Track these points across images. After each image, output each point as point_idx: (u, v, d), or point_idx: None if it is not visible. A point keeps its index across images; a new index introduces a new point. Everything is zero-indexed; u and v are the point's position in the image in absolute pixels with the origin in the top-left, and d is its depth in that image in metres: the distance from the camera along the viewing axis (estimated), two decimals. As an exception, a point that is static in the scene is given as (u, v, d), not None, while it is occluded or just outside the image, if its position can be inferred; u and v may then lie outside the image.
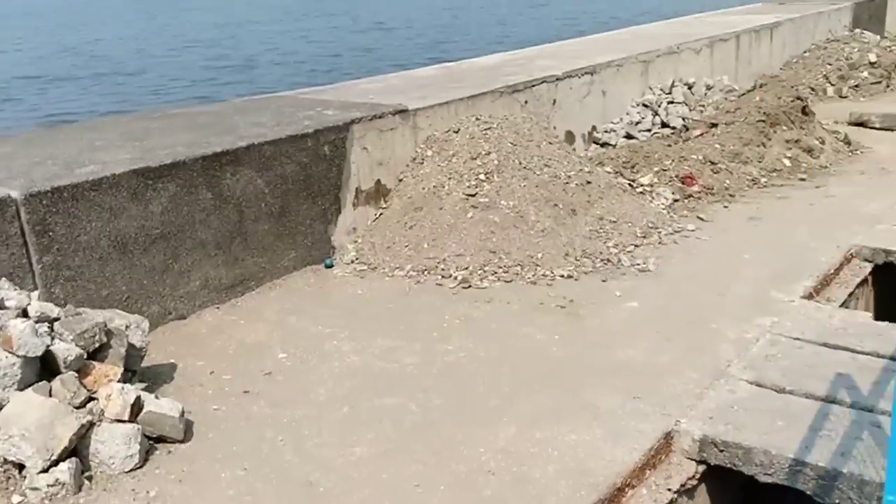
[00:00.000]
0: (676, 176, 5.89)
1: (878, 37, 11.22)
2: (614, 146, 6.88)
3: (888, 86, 9.36)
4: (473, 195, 4.92)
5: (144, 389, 3.18)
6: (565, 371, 3.46)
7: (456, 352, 3.68)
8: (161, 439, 3.02)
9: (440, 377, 3.46)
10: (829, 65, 9.77)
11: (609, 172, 5.80)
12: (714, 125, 6.66)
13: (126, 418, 2.93)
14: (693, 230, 5.14)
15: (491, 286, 4.40)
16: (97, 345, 3.10)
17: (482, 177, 5.01)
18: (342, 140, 4.75)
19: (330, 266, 4.76)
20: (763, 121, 6.54)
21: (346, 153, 4.80)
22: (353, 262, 4.81)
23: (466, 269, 4.55)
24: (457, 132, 5.40)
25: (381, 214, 5.12)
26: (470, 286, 4.41)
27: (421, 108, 5.35)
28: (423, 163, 5.26)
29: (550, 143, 5.45)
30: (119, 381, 3.08)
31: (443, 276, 4.53)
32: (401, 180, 5.24)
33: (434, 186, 5.05)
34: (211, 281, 4.17)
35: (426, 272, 4.58)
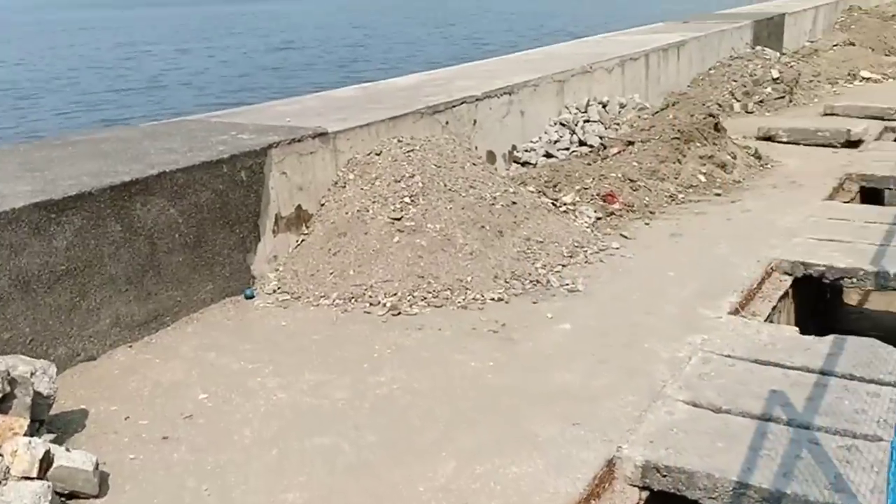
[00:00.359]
0: (598, 194, 5.93)
1: (778, 53, 11.70)
2: (535, 165, 6.89)
3: (790, 100, 9.75)
4: (399, 219, 4.80)
5: (54, 441, 2.92)
6: (502, 399, 3.36)
7: (388, 384, 3.53)
8: (74, 495, 2.78)
9: (373, 412, 3.31)
10: (735, 81, 10.10)
11: (532, 192, 5.78)
12: (631, 143, 6.75)
13: (35, 475, 2.68)
14: (618, 248, 5.15)
15: (421, 312, 4.28)
16: (-1, 396, 2.83)
17: (407, 200, 4.90)
18: (260, 165, 4.56)
19: (250, 297, 4.54)
20: (677, 138, 6.67)
21: (264, 179, 4.61)
22: (275, 291, 4.61)
23: (395, 295, 4.42)
24: (379, 154, 5.27)
25: (302, 241, 4.93)
26: (399, 313, 4.28)
27: (341, 130, 5.21)
28: (345, 187, 5.11)
29: (474, 164, 5.39)
30: (25, 434, 2.82)
31: (371, 304, 4.38)
32: (323, 205, 5.07)
33: (358, 211, 4.90)
34: (122, 318, 3.91)
35: (353, 300, 4.43)
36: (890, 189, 6.65)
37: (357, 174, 5.18)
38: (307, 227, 5.00)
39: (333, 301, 4.45)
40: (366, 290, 4.48)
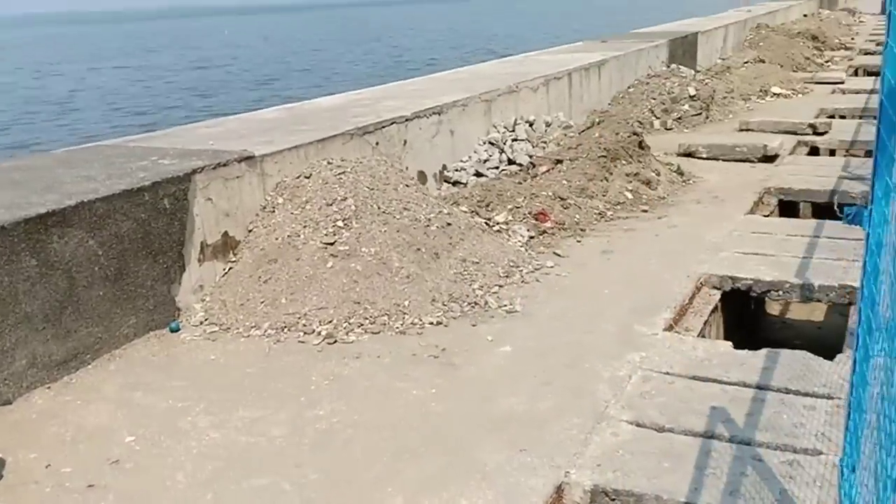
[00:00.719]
0: (529, 213, 5.94)
1: (693, 71, 12.07)
2: (465, 185, 6.87)
3: (707, 117, 10.05)
4: (332, 243, 4.69)
5: (-37, 499, 2.69)
6: (448, 428, 3.29)
7: (328, 417, 3.41)
8: (-13, 558, 2.56)
9: (314, 448, 3.18)
10: (654, 99, 10.35)
11: (465, 212, 5.75)
12: (559, 161, 6.80)
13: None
14: (552, 267, 5.16)
15: (358, 340, 4.17)
16: None
17: (340, 223, 4.79)
18: (184, 192, 4.38)
19: (175, 330, 4.34)
20: (604, 156, 6.76)
21: (188, 206, 4.43)
22: (202, 323, 4.42)
23: (330, 322, 4.30)
24: (308, 177, 5.15)
25: (230, 269, 4.76)
26: (336, 341, 4.16)
27: (268, 153, 5.06)
28: (274, 211, 4.96)
29: (407, 185, 5.33)
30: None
31: (305, 333, 4.25)
32: (251, 231, 4.91)
33: (288, 236, 4.77)
34: (39, 358, 3.67)
35: (286, 329, 4.28)
36: (805, 202, 6.88)
37: (286, 198, 5.05)
38: (235, 255, 4.83)
39: (265, 331, 4.30)
40: (299, 318, 4.35)
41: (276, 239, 4.78)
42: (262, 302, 4.47)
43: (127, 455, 3.17)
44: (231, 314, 4.44)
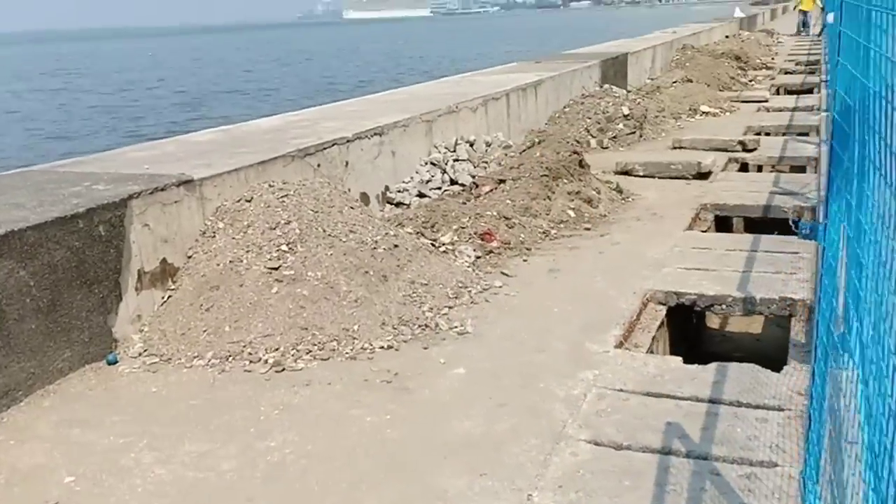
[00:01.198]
0: (475, 233, 5.92)
1: (625, 91, 12.33)
2: (409, 206, 6.83)
3: (641, 135, 10.26)
4: (276, 268, 4.57)
5: None
6: (405, 455, 3.21)
7: (280, 448, 3.30)
8: None
9: (267, 482, 3.07)
10: (589, 118, 10.52)
11: (411, 233, 5.69)
12: (502, 181, 6.82)
13: None
14: (500, 286, 5.14)
15: (307, 367, 4.06)
16: None
17: (284, 248, 4.68)
18: (120, 218, 4.21)
19: (113, 363, 4.15)
20: (546, 175, 6.81)
21: (124, 232, 4.26)
22: (140, 354, 4.24)
23: (277, 350, 4.18)
24: (249, 201, 5.02)
25: (169, 297, 4.59)
26: (284, 369, 4.04)
27: (207, 176, 4.92)
28: (214, 236, 4.82)
29: (352, 207, 5.25)
30: None
31: (251, 361, 4.11)
32: (190, 257, 4.75)
33: (230, 262, 4.63)
34: (-34, 397, 3.45)
35: (231, 358, 4.14)
36: (740, 217, 7.06)
37: (227, 223, 4.91)
38: (174, 283, 4.66)
39: (209, 361, 4.15)
40: (244, 346, 4.21)
41: (218, 265, 4.64)
42: (205, 330, 4.32)
43: (67, 497, 3.00)
44: (172, 344, 4.27)
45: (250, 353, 4.16)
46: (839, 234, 1.88)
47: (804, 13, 31.36)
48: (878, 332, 1.86)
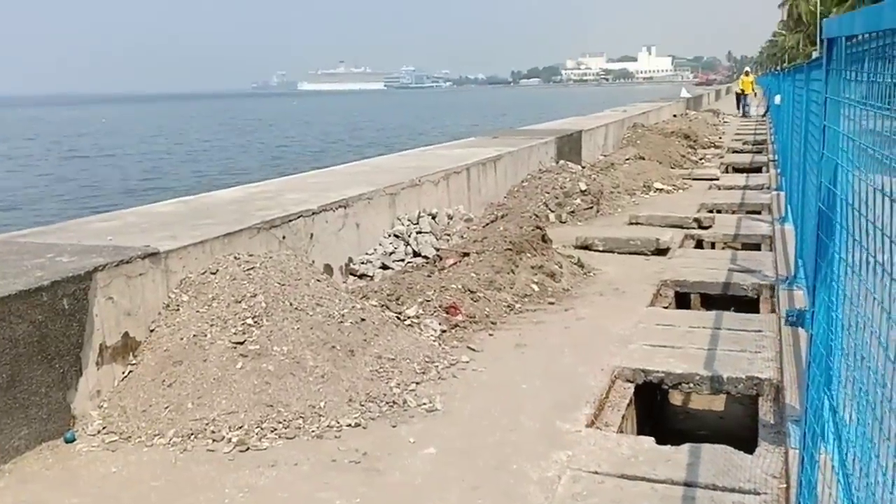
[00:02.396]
0: (440, 306, 5.91)
1: (581, 167, 12.63)
2: (372, 278, 6.80)
3: (598, 211, 10.46)
4: (242, 342, 4.47)
5: None
6: (379, 542, 3.11)
7: (248, 535, 3.16)
8: None
9: (235, 571, 2.93)
10: (547, 193, 10.71)
11: (376, 306, 5.65)
12: (466, 254, 6.86)
13: None
14: (468, 361, 5.11)
15: (272, 446, 3.94)
16: None
17: (250, 321, 4.60)
18: (84, 291, 4.09)
19: (71, 440, 3.98)
20: (510, 249, 6.87)
21: (88, 306, 4.14)
22: (99, 432, 4.08)
23: (241, 427, 4.05)
24: (215, 273, 4.95)
25: (130, 373, 4.44)
26: (248, 448, 3.91)
27: (173, 249, 4.84)
28: (178, 309, 4.71)
29: (318, 280, 5.20)
30: None
31: (214, 440, 3.98)
32: (153, 331, 4.63)
33: (194, 335, 4.52)
34: (-89, 481, 3.25)
35: (194, 437, 4.00)
36: (699, 293, 7.18)
37: (192, 295, 4.81)
38: (135, 357, 4.52)
39: (170, 439, 4.00)
40: (207, 424, 4.08)
41: (181, 339, 4.52)
42: (167, 407, 4.18)
43: (18, 591, 2.82)
44: (132, 421, 4.12)
45: (213, 432, 4.03)
46: (827, 323, 1.92)
47: (742, 96, 32.78)
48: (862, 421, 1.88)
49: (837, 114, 1.94)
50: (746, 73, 33.86)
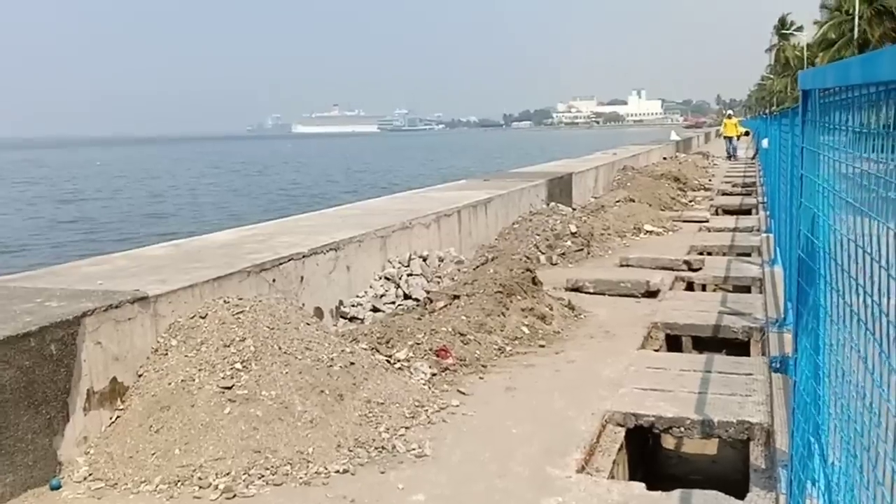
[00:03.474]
0: (430, 349, 5.90)
1: (571, 209, 12.72)
2: (362, 320, 6.80)
3: (589, 253, 10.51)
4: (230, 387, 4.45)
5: None
6: (366, 591, 3.06)
7: (233, 585, 3.12)
8: None
9: None
10: (538, 235, 10.77)
11: (365, 349, 5.64)
12: (456, 297, 6.87)
13: None
14: (457, 405, 5.09)
15: (260, 493, 3.90)
16: None
17: (238, 366, 4.58)
18: (72, 336, 4.08)
19: (56, 488, 3.93)
20: (500, 291, 6.89)
21: (76, 351, 4.12)
22: (85, 479, 4.03)
23: (228, 474, 4.01)
24: (204, 317, 4.94)
25: (118, 418, 4.41)
26: (235, 496, 3.87)
27: (162, 293, 4.84)
28: (167, 354, 4.70)
29: (308, 323, 5.20)
30: None
31: (201, 487, 3.94)
32: (141, 376, 4.61)
33: (182, 380, 4.50)
34: None
35: (180, 484, 3.96)
36: (689, 336, 7.19)
37: (180, 340, 4.80)
38: (123, 402, 4.49)
39: (157, 486, 3.96)
40: (194, 470, 4.04)
41: (169, 384, 4.50)
42: (153, 454, 4.14)
43: None
44: (118, 468, 4.07)
45: (200, 479, 3.99)
46: (810, 370, 1.94)
47: (728, 139, 32.82)
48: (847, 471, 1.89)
49: (814, 163, 1.98)
50: (729, 117, 33.96)
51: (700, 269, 9.29)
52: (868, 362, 1.48)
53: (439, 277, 7.99)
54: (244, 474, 4.04)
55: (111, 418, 4.38)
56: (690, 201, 16.43)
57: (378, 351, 5.78)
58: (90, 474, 4.05)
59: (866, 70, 1.36)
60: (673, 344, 7.30)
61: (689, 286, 9.06)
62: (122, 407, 4.46)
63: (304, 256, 6.35)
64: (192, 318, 4.94)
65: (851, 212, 1.64)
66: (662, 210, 14.49)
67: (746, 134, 33.38)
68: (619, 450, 4.70)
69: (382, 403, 4.82)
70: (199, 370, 4.56)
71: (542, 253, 10.42)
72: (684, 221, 13.46)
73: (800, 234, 2.18)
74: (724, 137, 33.52)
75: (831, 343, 1.83)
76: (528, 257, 10.07)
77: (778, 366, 2.69)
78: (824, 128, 1.86)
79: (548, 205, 12.82)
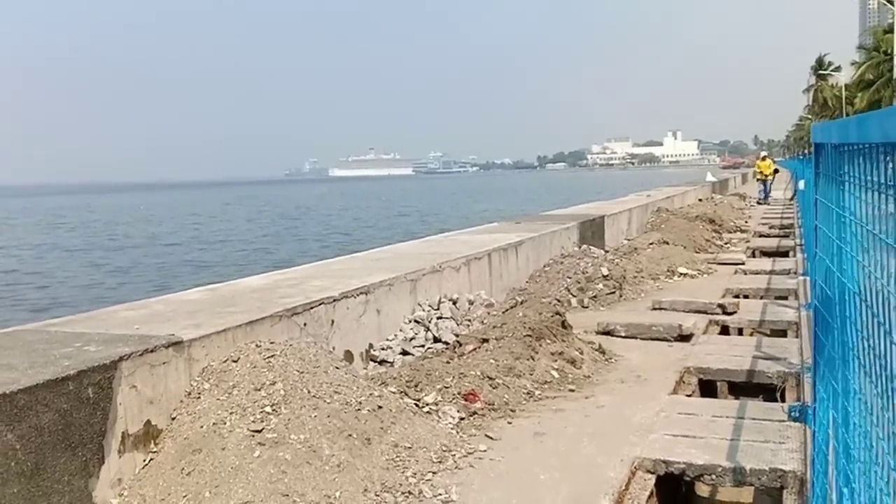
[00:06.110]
0: (459, 393, 5.92)
1: (603, 251, 12.69)
2: (392, 363, 6.85)
3: (621, 296, 10.46)
4: (260, 431, 4.52)
5: None
6: None
7: None
8: None
9: None
10: (569, 278, 10.76)
11: (394, 393, 5.68)
12: (485, 340, 6.89)
13: None
14: (485, 451, 5.09)
15: (288, 537, 3.93)
16: None
17: (268, 409, 4.65)
18: (109, 380, 4.20)
19: (89, 529, 4.01)
20: (529, 335, 6.90)
21: (112, 394, 4.23)
22: (118, 521, 4.11)
23: (257, 518, 4.06)
24: (236, 361, 5.03)
25: (151, 460, 4.49)
26: (263, 539, 3.91)
27: (196, 337, 4.95)
28: (199, 397, 4.79)
29: (337, 367, 5.27)
30: None
31: (230, 530, 3.98)
32: (174, 419, 4.70)
33: (214, 424, 4.58)
34: (-69, 569, 3.30)
35: (210, 527, 4.01)
36: (722, 381, 7.10)
37: (213, 383, 4.89)
38: (156, 445, 4.58)
39: (187, 529, 4.02)
40: (224, 513, 4.09)
41: (201, 427, 4.58)
42: (185, 496, 4.21)
43: None
44: (150, 511, 4.14)
45: (230, 522, 4.04)
46: (828, 419, 1.94)
47: (763, 182, 31.58)
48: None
49: (828, 215, 2.01)
50: (763, 158, 32.89)
51: (735, 312, 9.19)
52: (872, 413, 1.49)
53: (469, 320, 8.03)
54: (272, 518, 4.08)
55: (144, 460, 4.47)
56: (726, 243, 16.29)
57: (406, 394, 5.82)
58: (123, 516, 4.13)
59: (861, 130, 1.40)
60: (706, 389, 7.21)
61: (724, 330, 8.95)
62: (155, 449, 4.55)
63: (334, 300, 6.44)
64: (225, 361, 5.03)
65: (859, 264, 1.66)
66: (697, 252, 14.38)
67: (776, 172, 32.46)
68: (649, 497, 4.66)
69: (410, 447, 4.84)
70: (231, 413, 4.64)
71: (574, 296, 10.40)
72: (719, 264, 13.33)
73: (815, 285, 2.19)
74: (758, 179, 32.70)
75: (846, 391, 1.84)
76: (559, 300, 10.08)
77: (797, 415, 2.67)
78: (834, 181, 1.89)
79: (580, 247, 12.82)
